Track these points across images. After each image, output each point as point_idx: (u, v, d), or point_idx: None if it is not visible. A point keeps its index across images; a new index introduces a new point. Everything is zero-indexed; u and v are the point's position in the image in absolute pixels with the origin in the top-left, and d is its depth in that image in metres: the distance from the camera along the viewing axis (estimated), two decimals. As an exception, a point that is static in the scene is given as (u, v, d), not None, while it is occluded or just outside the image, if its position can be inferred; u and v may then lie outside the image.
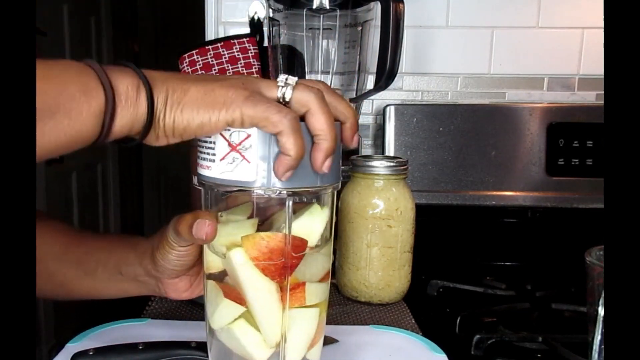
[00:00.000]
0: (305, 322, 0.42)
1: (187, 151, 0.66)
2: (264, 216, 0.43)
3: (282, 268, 0.40)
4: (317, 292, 0.42)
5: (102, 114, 0.35)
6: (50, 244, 0.55)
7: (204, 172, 0.40)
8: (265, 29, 0.91)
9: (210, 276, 0.44)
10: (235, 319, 0.42)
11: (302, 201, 0.42)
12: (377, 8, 0.80)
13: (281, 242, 0.40)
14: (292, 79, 0.39)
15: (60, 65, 0.36)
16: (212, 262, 0.43)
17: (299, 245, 0.40)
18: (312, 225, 0.41)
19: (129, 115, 0.36)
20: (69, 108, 0.34)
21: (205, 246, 0.44)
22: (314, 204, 0.41)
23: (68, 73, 0.36)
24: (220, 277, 0.43)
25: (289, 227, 0.40)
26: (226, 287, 0.42)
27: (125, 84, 0.36)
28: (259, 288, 0.40)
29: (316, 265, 0.42)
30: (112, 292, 0.54)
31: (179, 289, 0.50)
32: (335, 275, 0.75)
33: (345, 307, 0.70)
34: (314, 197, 0.42)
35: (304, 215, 0.41)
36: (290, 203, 0.39)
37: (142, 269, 0.50)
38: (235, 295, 0.41)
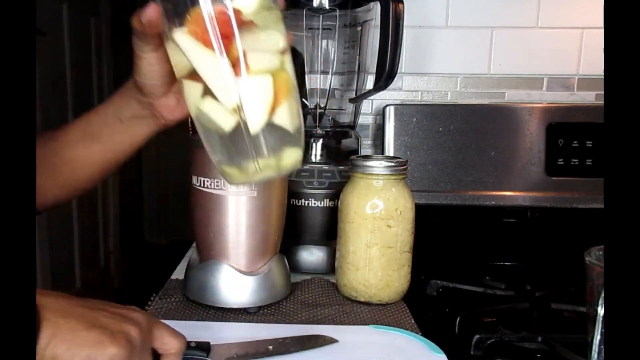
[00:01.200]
0: (257, 87, 0.43)
1: (187, 152, 0.66)
2: None
3: (222, 37, 0.41)
4: (261, 59, 0.43)
5: None
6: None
7: None
8: (265, 29, 0.91)
9: (182, 78, 0.46)
10: (202, 98, 0.44)
11: None
12: (376, 8, 0.80)
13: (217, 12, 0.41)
14: None
15: None
16: (180, 64, 0.45)
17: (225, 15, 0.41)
18: None
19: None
20: None
21: (170, 53, 0.45)
22: None
23: None
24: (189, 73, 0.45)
25: None
26: (189, 72, 0.44)
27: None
28: (201, 58, 0.42)
29: (264, 38, 0.44)
30: (123, 146, 0.57)
31: (170, 107, 0.53)
32: (334, 275, 0.75)
33: (344, 307, 0.70)
34: None
35: None
36: None
37: (135, 103, 0.53)
38: (192, 74, 0.43)
